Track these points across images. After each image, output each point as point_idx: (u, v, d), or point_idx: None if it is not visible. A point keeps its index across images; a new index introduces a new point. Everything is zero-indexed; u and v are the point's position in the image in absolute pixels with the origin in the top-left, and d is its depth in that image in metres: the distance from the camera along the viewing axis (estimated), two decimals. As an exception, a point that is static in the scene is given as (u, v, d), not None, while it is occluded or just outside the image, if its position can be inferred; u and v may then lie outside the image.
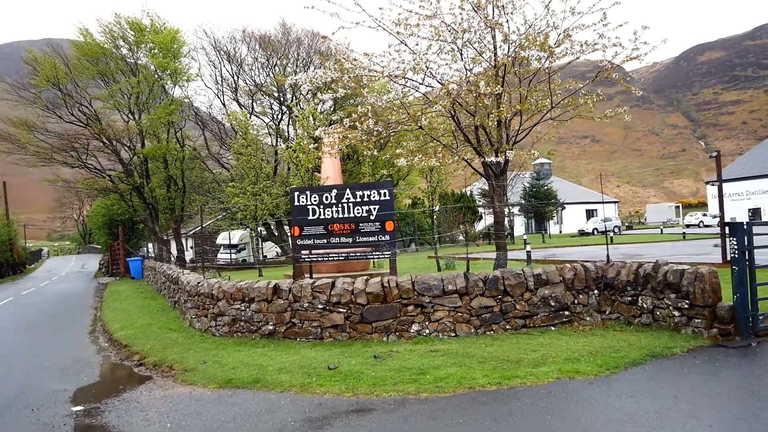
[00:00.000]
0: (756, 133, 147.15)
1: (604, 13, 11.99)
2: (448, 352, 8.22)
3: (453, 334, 9.31)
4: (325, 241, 12.73)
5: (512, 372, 7.06)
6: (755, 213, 61.41)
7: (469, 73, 12.97)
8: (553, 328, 9.34)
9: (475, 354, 8.03)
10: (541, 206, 45.26)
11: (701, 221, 56.27)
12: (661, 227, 50.24)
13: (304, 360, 8.39)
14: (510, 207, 46.06)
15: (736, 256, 7.85)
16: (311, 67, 33.90)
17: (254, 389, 7.31)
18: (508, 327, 9.35)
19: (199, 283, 12.11)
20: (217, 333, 11.07)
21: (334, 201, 12.82)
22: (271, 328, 10.13)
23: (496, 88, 11.62)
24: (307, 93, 35.70)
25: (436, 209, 44.30)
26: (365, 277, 9.91)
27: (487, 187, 51.58)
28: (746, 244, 7.86)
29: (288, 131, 35.81)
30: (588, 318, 9.50)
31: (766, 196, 60.53)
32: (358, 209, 12.73)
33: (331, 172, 20.23)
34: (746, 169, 64.17)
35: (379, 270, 21.16)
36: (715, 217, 54.29)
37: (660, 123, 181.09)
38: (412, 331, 9.39)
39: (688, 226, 53.67)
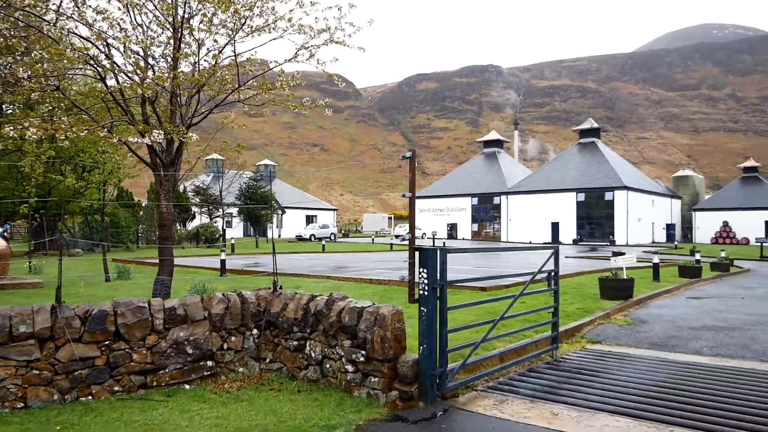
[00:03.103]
0: (457, 158, 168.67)
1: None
2: (-21, 451, 4.72)
3: (20, 405, 5.74)
4: None
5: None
6: (453, 228, 68.83)
7: (132, 19, 9.53)
8: (187, 387, 6.43)
9: (23, 455, 4.67)
10: (254, 209, 42.85)
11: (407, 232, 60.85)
12: (373, 236, 52.22)
13: None
14: (220, 208, 42.67)
15: (427, 293, 5.92)
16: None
17: None
18: (117, 389, 6.14)
19: None
20: None
21: None
22: None
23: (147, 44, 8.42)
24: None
25: (144, 204, 38.72)
26: None
27: (203, 183, 47.19)
28: (439, 278, 5.96)
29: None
30: (241, 369, 6.83)
31: (461, 213, 68.38)
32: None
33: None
34: (447, 188, 71.91)
35: (28, 279, 15.95)
36: (421, 232, 58.62)
37: (382, 140, 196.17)
38: (-60, 404, 5.56)
39: (396, 236, 57.01)
